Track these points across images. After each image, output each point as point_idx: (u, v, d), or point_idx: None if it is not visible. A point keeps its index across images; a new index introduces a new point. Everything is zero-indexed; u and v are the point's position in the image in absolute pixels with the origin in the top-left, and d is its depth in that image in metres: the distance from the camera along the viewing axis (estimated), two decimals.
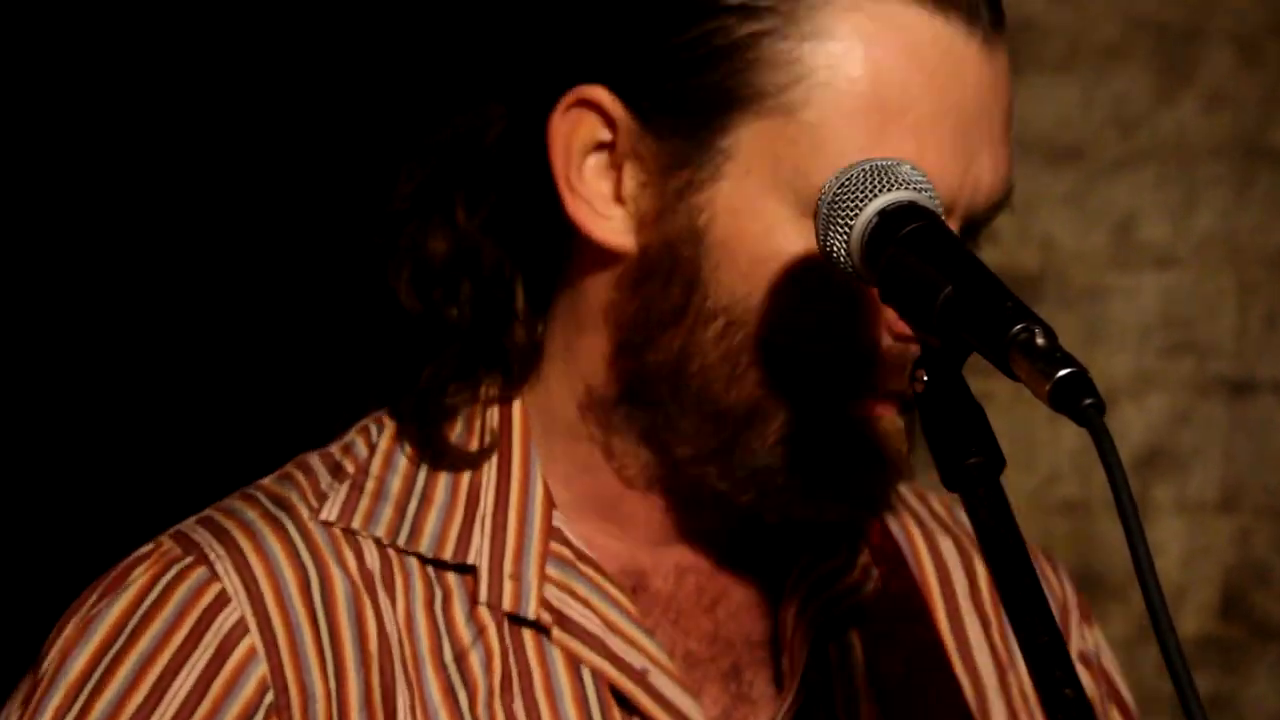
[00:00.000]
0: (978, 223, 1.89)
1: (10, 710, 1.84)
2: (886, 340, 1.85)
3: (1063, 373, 1.61)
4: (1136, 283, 3.92)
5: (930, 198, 1.78)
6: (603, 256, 1.89)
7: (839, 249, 1.79)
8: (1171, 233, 3.92)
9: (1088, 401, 1.60)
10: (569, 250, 1.92)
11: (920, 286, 1.72)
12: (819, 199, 1.80)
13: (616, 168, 1.87)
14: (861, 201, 1.77)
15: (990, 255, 1.81)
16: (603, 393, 1.92)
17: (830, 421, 1.87)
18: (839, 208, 1.78)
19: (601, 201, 1.87)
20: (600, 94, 1.85)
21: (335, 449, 1.94)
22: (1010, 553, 1.65)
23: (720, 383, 1.87)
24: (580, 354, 1.92)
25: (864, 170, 1.78)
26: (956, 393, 1.73)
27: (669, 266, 1.86)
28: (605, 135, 1.86)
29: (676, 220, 1.85)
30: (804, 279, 1.83)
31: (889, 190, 1.77)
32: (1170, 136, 3.91)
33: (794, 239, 1.82)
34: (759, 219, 1.84)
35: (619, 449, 1.92)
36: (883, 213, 1.77)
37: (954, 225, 1.84)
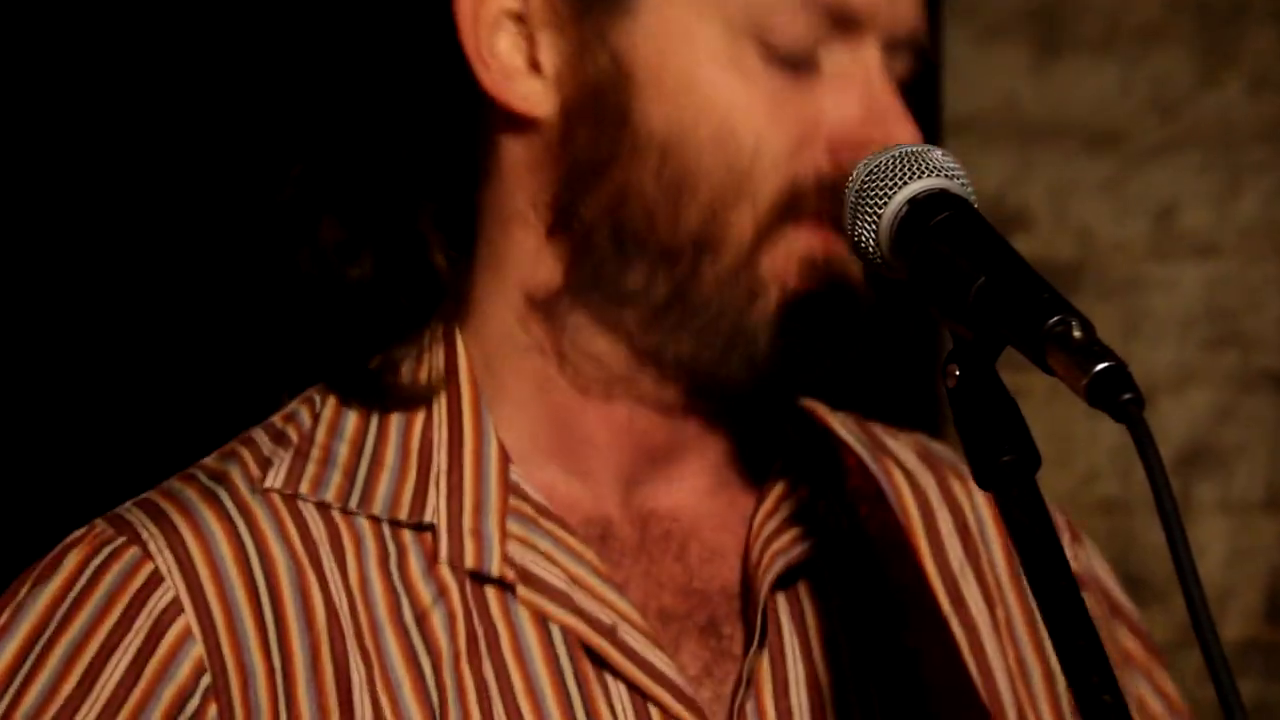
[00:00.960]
0: (899, 45, 1.89)
1: None
2: (819, 159, 1.87)
3: (1101, 367, 1.60)
4: (1178, 273, 3.92)
5: (962, 185, 1.78)
6: (523, 133, 1.90)
7: (867, 238, 1.79)
8: (1215, 221, 3.93)
9: (1127, 397, 1.60)
10: (485, 160, 1.94)
11: (953, 277, 1.72)
12: (847, 184, 1.81)
13: (528, 36, 1.88)
14: (890, 189, 1.77)
15: (1025, 244, 1.82)
16: (545, 288, 1.91)
17: (780, 250, 1.87)
18: (866, 196, 1.79)
19: (517, 73, 1.88)
20: None
21: (277, 419, 1.94)
22: (1045, 554, 1.65)
23: (664, 216, 1.86)
24: (511, 257, 1.92)
25: (893, 157, 1.79)
26: (990, 388, 1.72)
27: (594, 112, 1.87)
28: (513, 3, 1.88)
29: (597, 64, 1.86)
30: (744, 101, 1.85)
31: (919, 177, 1.78)
32: (1213, 120, 3.92)
33: (720, 59, 1.84)
34: (684, 43, 1.85)
35: (570, 348, 1.91)
36: (913, 201, 1.77)
37: (874, 44, 1.87)
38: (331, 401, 1.95)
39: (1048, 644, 2.00)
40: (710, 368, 1.89)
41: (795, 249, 1.87)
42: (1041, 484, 1.69)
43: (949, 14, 3.71)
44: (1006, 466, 1.69)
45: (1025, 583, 2.02)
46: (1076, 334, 1.63)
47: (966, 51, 3.67)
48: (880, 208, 1.78)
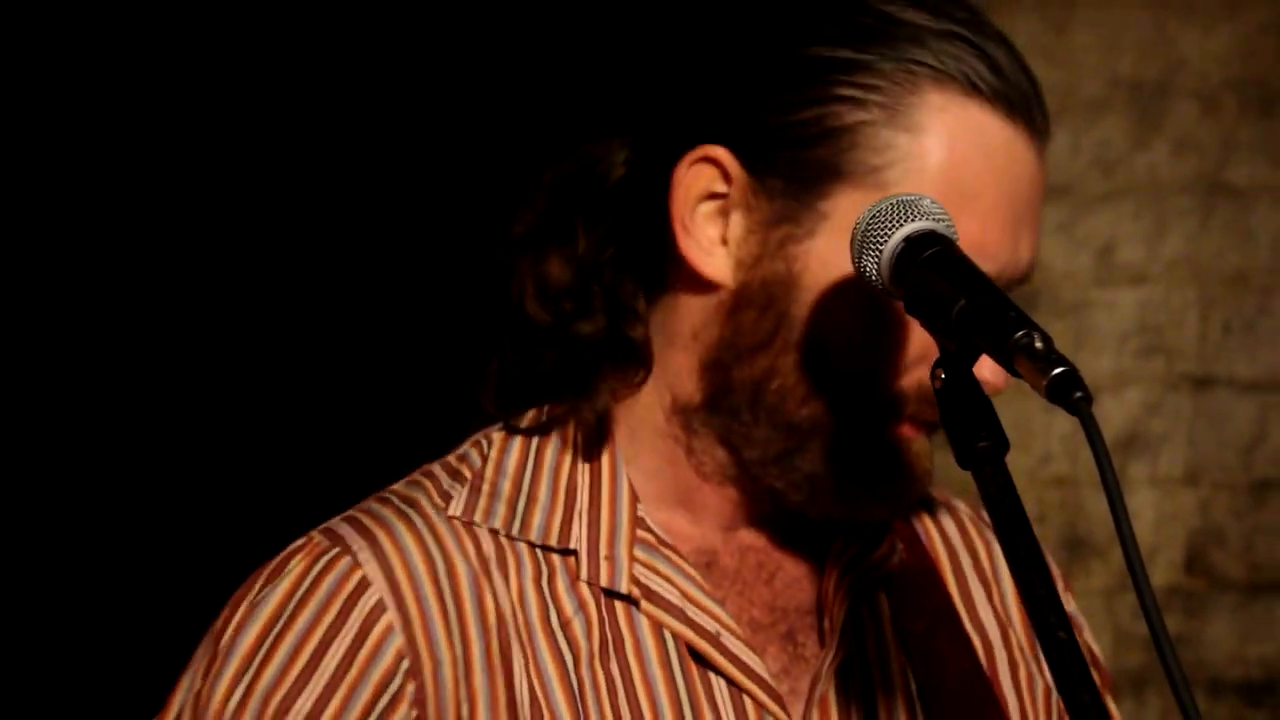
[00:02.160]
0: (1010, 287, 1.87)
1: (194, 678, 1.84)
2: (923, 376, 1.84)
3: (1058, 371, 1.61)
4: (1115, 297, 3.90)
5: (947, 226, 1.78)
6: (703, 288, 1.88)
7: (871, 269, 1.78)
8: (1145, 256, 3.90)
9: (1078, 395, 1.60)
10: (671, 280, 1.91)
11: (939, 300, 1.72)
12: (854, 227, 1.80)
13: (725, 215, 1.86)
14: (890, 229, 1.77)
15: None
16: (687, 401, 1.91)
17: (874, 440, 1.88)
18: (871, 235, 1.78)
19: (709, 242, 1.87)
20: (722, 153, 1.85)
21: (453, 459, 1.94)
22: (1014, 519, 1.65)
23: (793, 402, 1.86)
24: (670, 367, 1.91)
25: (892, 204, 1.78)
26: (968, 388, 1.72)
27: (763, 302, 1.86)
28: (721, 188, 1.86)
29: (775, 265, 1.85)
30: (875, 328, 1.84)
31: (913, 220, 1.77)
32: (1144, 176, 3.89)
33: (872, 294, 1.81)
34: (845, 273, 1.83)
35: (698, 448, 1.91)
36: (908, 239, 1.76)
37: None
38: (498, 440, 1.94)
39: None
40: (796, 503, 1.91)
41: (885, 440, 1.88)
42: (1009, 464, 1.70)
43: None
44: (982, 450, 1.69)
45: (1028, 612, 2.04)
46: (1038, 345, 1.63)
47: None
48: (882, 244, 1.77)
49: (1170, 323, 3.88)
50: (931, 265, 1.74)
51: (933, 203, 1.79)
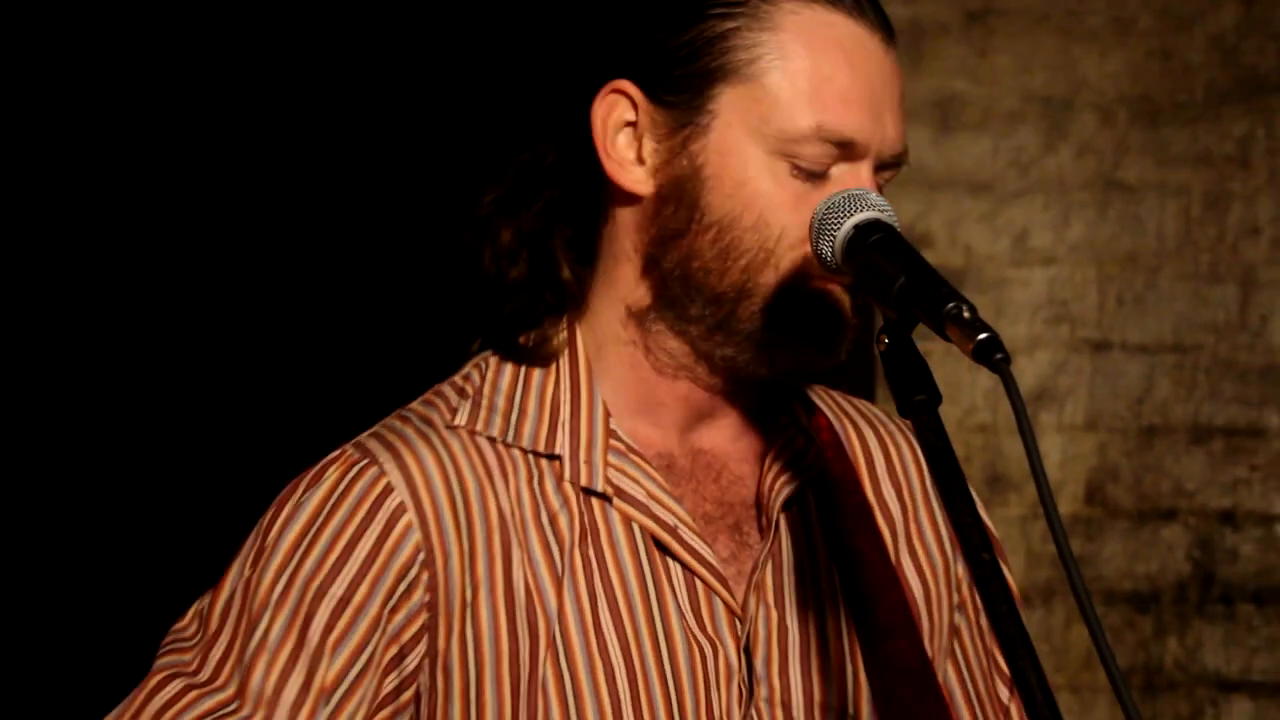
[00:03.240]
0: (886, 165, 1.88)
1: (243, 566, 1.83)
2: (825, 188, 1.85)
3: (981, 336, 1.60)
4: (1029, 276, 3.89)
5: (890, 216, 1.77)
6: (630, 202, 1.89)
7: (826, 252, 1.78)
8: (1053, 241, 3.89)
9: (998, 356, 1.59)
10: (607, 210, 1.92)
11: (882, 277, 1.72)
12: (811, 217, 1.80)
13: (639, 138, 1.87)
14: (842, 218, 1.77)
15: (929, 256, 1.80)
16: (637, 305, 1.91)
17: (793, 294, 1.86)
18: (826, 223, 1.78)
19: (628, 162, 1.88)
20: (627, 85, 1.87)
21: (458, 378, 1.94)
22: (945, 459, 1.64)
23: (715, 275, 1.86)
24: (618, 282, 1.91)
25: (844, 197, 1.78)
26: (907, 351, 1.71)
27: (677, 196, 1.86)
28: (631, 115, 1.87)
29: (680, 165, 1.85)
30: (769, 198, 1.84)
31: (861, 211, 1.77)
32: (1052, 175, 3.88)
33: (762, 169, 1.83)
34: (738, 156, 1.84)
35: (653, 346, 1.91)
36: (857, 226, 1.76)
37: (869, 165, 1.86)
38: (494, 364, 1.94)
39: (946, 542, 2.03)
40: (743, 366, 1.89)
41: (808, 292, 1.87)
42: (940, 414, 1.69)
43: None
44: (920, 403, 1.68)
45: (932, 498, 2.03)
46: (965, 314, 1.62)
47: None
48: (835, 231, 1.77)
49: (1074, 296, 3.87)
50: (876, 248, 1.73)
51: (878, 197, 1.79)
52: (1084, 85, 3.90)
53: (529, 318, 1.94)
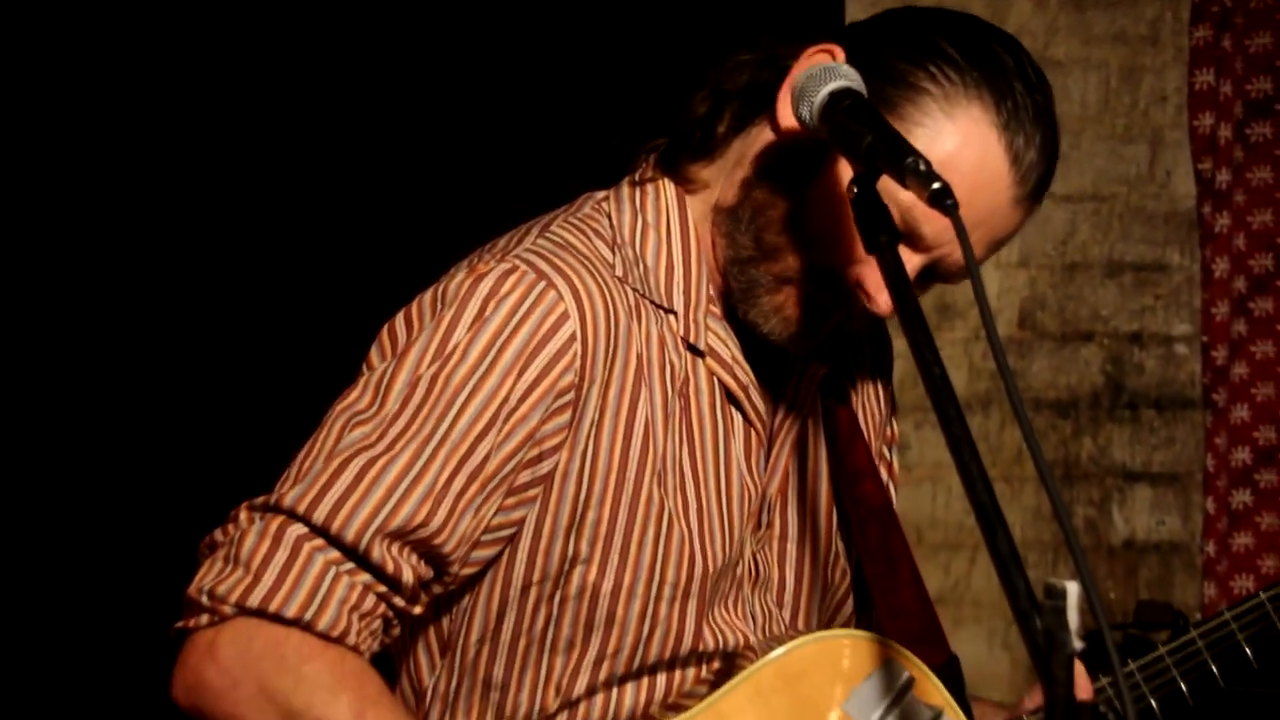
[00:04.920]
0: (932, 276, 1.82)
1: (425, 359, 1.74)
2: (858, 271, 1.79)
3: (935, 185, 1.59)
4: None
5: (859, 86, 1.73)
6: (774, 131, 1.81)
7: (805, 114, 1.74)
8: None
9: (949, 202, 1.57)
10: (761, 120, 1.84)
11: (853, 135, 1.69)
12: (794, 84, 1.76)
13: (793, 98, 1.78)
14: (820, 85, 1.73)
15: None
16: (721, 201, 1.86)
17: (797, 290, 1.83)
18: (806, 90, 1.74)
19: (790, 118, 1.79)
20: (839, 51, 1.79)
21: (590, 218, 1.86)
22: (905, 291, 1.63)
23: (770, 230, 1.81)
24: (728, 179, 1.86)
25: (821, 69, 1.74)
26: (873, 199, 1.69)
27: (798, 158, 1.80)
28: (803, 112, 1.78)
29: (819, 140, 1.76)
30: (842, 223, 1.78)
31: (836, 80, 1.73)
32: None
33: (848, 223, 1.76)
34: (840, 191, 1.77)
35: (715, 241, 1.86)
36: (832, 93, 1.73)
37: (922, 260, 1.78)
38: (614, 211, 1.87)
39: (884, 403, 2.07)
40: (734, 301, 1.85)
41: (799, 295, 1.82)
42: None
43: None
44: (884, 242, 1.66)
45: (880, 384, 2.06)
46: (922, 167, 1.60)
47: None
48: (813, 97, 1.73)
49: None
50: (848, 111, 1.70)
51: (849, 69, 1.74)
52: None
53: (690, 144, 1.86)
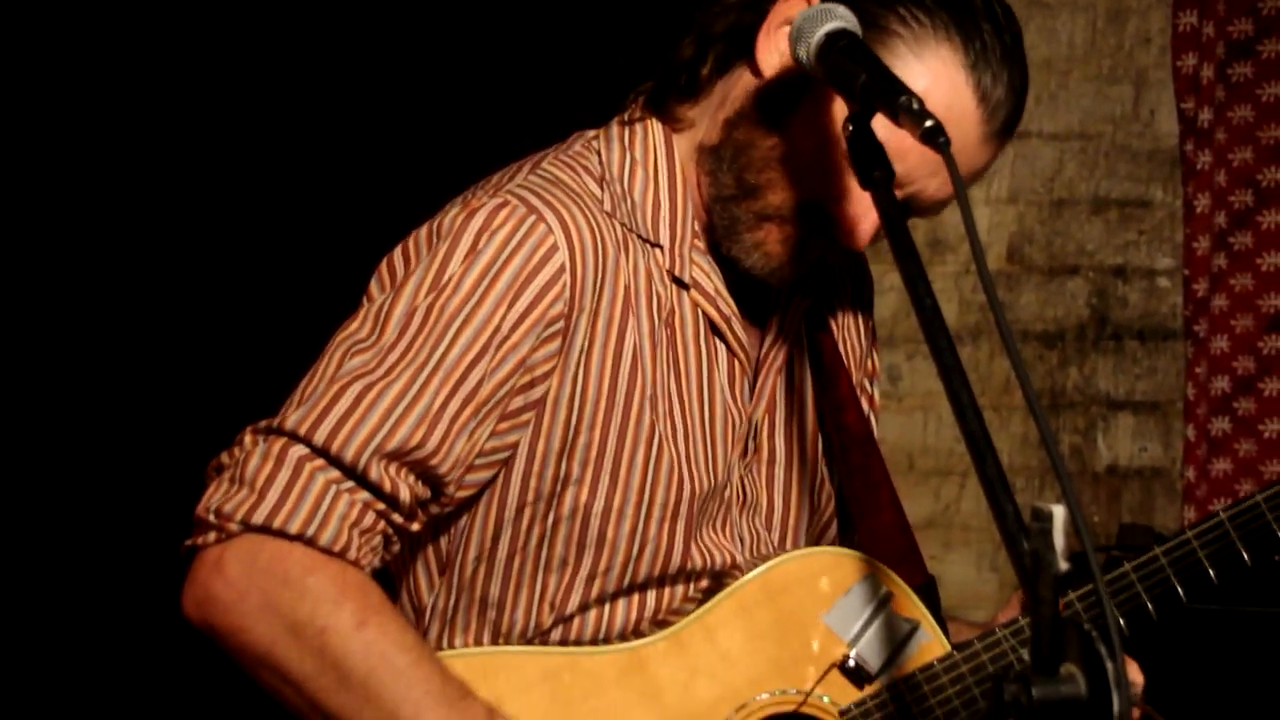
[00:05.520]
0: (911, 208, 1.81)
1: (421, 289, 1.74)
2: (837, 205, 1.78)
3: (928, 123, 1.57)
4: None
5: (855, 27, 1.72)
6: (754, 73, 1.82)
7: (802, 54, 1.73)
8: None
9: (941, 139, 1.56)
10: (741, 65, 1.84)
11: (848, 74, 1.67)
12: (791, 26, 1.75)
13: (781, 53, 1.79)
14: (816, 27, 1.72)
15: None
16: (705, 141, 1.85)
17: (776, 227, 1.82)
18: (803, 30, 1.73)
19: (771, 47, 1.80)
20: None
21: (579, 155, 1.86)
22: (899, 226, 1.62)
23: (754, 169, 1.81)
24: (714, 122, 1.85)
25: (818, 10, 1.73)
26: (868, 136, 1.68)
27: (779, 97, 1.80)
28: (783, 44, 1.79)
29: (797, 77, 1.77)
30: (831, 154, 1.77)
31: (832, 21, 1.72)
32: None
33: (839, 139, 1.74)
34: (831, 116, 1.76)
35: (700, 178, 1.86)
36: (828, 34, 1.71)
37: (900, 193, 1.77)
38: (603, 149, 1.87)
39: (864, 337, 2.07)
40: (717, 237, 1.85)
41: (780, 231, 1.82)
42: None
43: None
44: (878, 177, 1.65)
45: (861, 318, 2.06)
46: (914, 105, 1.59)
47: None
48: (810, 38, 1.72)
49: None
50: (844, 52, 1.69)
51: (846, 10, 1.73)
52: None
53: (676, 85, 1.86)
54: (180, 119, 3.20)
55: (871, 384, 2.09)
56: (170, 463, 2.93)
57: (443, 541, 1.85)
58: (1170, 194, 3.83)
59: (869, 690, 1.84)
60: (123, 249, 3.18)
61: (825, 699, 1.83)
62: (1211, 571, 1.90)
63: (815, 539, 2.01)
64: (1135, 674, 1.88)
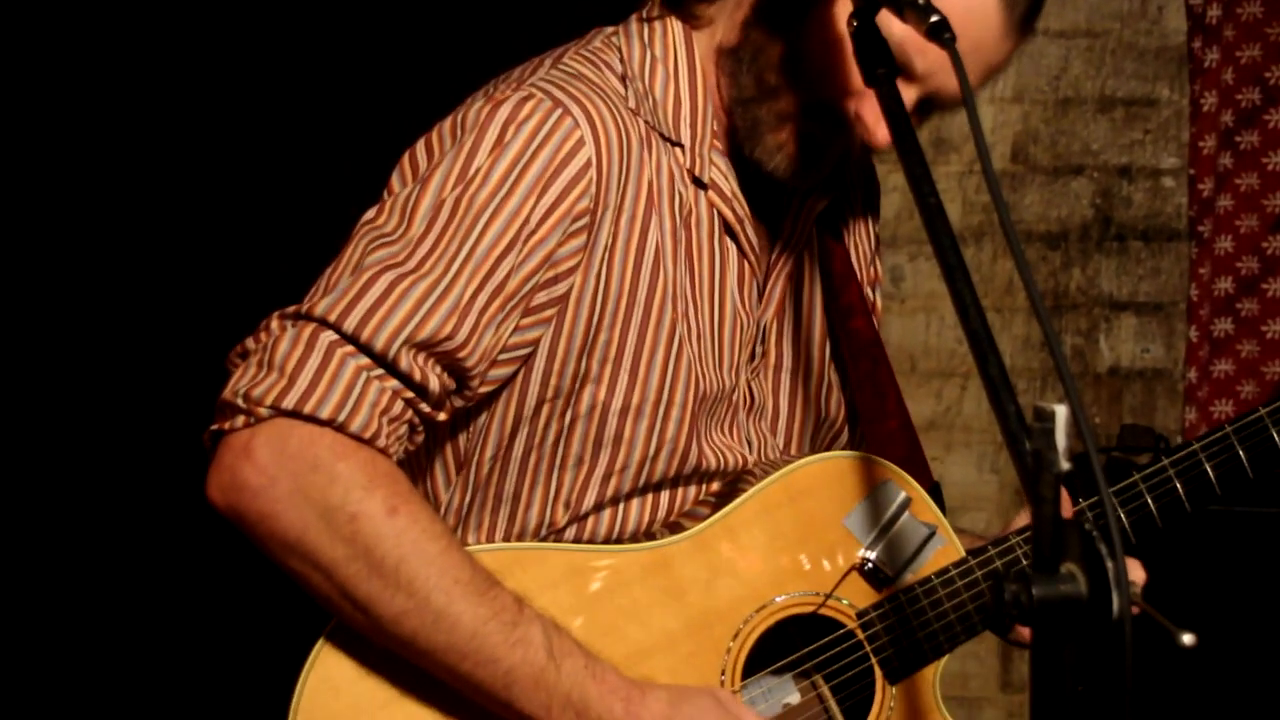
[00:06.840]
0: (930, 105, 1.79)
1: (449, 181, 1.74)
2: (856, 104, 1.76)
3: (934, 19, 1.55)
4: None
5: None
6: None
7: None
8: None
9: (947, 35, 1.54)
10: None
11: None
12: None
13: None
14: None
15: None
16: (723, 42, 1.84)
17: (812, 117, 1.80)
18: None
19: None
20: None
21: (601, 52, 1.85)
22: (903, 123, 1.60)
23: (771, 70, 1.79)
24: (731, 22, 1.84)
25: None
26: (872, 32, 1.66)
27: (793, 10, 1.78)
28: None
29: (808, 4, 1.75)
30: (839, 57, 1.75)
31: None
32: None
33: (844, 55, 1.73)
34: (837, 27, 1.74)
35: (719, 80, 1.84)
36: None
37: (916, 91, 1.75)
38: (624, 47, 1.85)
39: (871, 241, 2.07)
40: (740, 140, 1.83)
41: (796, 129, 1.80)
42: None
43: None
44: (882, 74, 1.63)
45: (870, 225, 2.05)
46: (920, 0, 1.57)
47: None
48: None
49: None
50: None
51: None
52: None
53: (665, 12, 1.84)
54: (180, 119, 3.16)
55: (874, 290, 2.08)
56: (165, 462, 3.01)
57: (460, 439, 1.85)
58: (1177, 92, 3.80)
59: (886, 593, 1.85)
60: (120, 250, 3.15)
61: (844, 601, 1.84)
62: (1215, 482, 1.94)
63: (826, 446, 2.02)
64: (1137, 572, 1.89)
